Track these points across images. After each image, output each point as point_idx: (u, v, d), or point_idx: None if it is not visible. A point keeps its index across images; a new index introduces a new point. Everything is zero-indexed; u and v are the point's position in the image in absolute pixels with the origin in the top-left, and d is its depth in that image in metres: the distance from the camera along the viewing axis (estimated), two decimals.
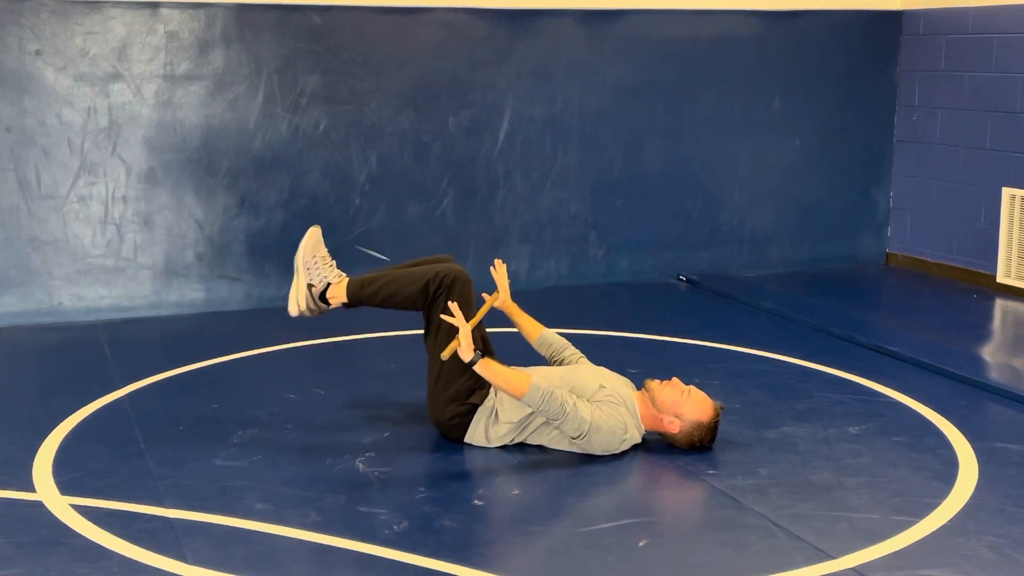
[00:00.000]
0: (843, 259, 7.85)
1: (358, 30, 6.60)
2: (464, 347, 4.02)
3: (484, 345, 4.39)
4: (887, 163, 7.84)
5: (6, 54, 6.04)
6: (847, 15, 7.61)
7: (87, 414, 4.67)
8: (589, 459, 4.18)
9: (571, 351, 4.58)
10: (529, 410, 4.20)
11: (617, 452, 4.22)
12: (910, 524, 3.68)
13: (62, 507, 3.75)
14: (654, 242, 7.38)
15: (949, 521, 3.71)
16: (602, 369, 4.45)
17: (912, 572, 3.36)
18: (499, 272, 4.59)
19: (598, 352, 4.83)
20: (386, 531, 3.58)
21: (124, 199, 6.30)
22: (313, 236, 4.47)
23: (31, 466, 4.09)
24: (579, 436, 4.14)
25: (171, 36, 6.26)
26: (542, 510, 3.82)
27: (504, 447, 4.30)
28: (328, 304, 4.47)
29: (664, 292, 7.11)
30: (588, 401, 4.19)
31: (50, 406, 4.74)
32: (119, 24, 6.17)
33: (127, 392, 4.96)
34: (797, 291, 7.08)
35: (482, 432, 4.30)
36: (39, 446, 4.28)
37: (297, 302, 4.46)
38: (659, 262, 7.41)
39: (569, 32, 7.02)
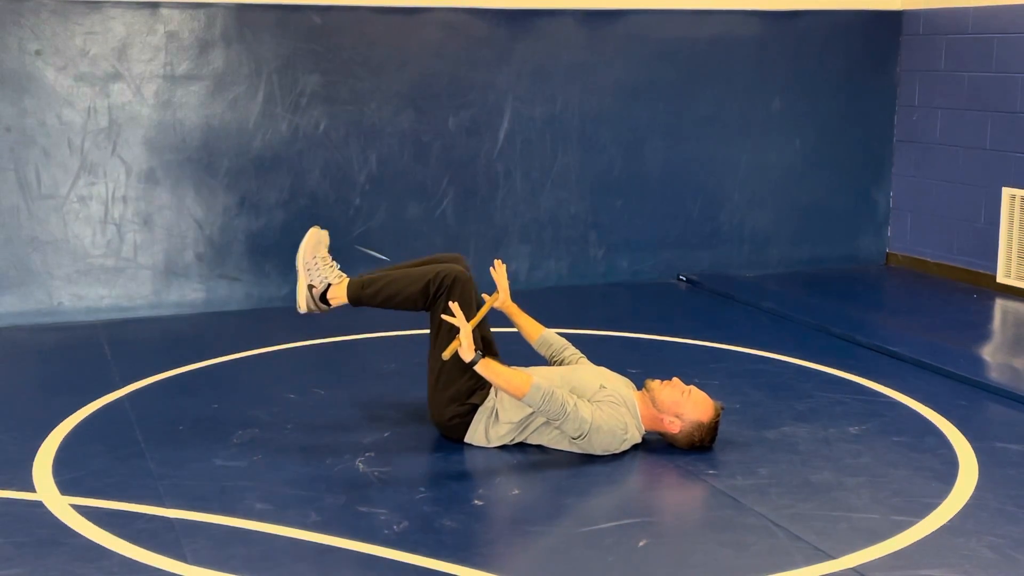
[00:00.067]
0: (843, 259, 7.84)
1: (358, 30, 6.60)
2: (465, 347, 4.02)
3: (487, 345, 4.39)
4: (887, 163, 7.84)
5: (6, 54, 6.04)
6: (847, 15, 7.61)
7: (87, 414, 4.67)
8: (589, 459, 4.19)
9: (571, 351, 4.58)
10: (529, 410, 4.20)
11: (617, 452, 4.22)
12: (910, 524, 3.68)
13: (62, 507, 3.75)
14: (654, 242, 7.38)
15: (949, 521, 3.71)
16: (602, 369, 4.45)
17: (912, 572, 3.36)
18: (499, 272, 4.59)
19: (598, 352, 4.82)
20: (386, 531, 3.58)
21: (124, 199, 6.30)
22: (313, 237, 4.47)
23: (31, 466, 4.09)
24: (580, 436, 4.14)
25: (171, 36, 6.26)
26: (542, 510, 3.82)
27: (504, 447, 4.30)
28: (329, 304, 4.47)
29: (664, 292, 7.10)
30: (589, 401, 4.19)
31: (50, 406, 4.74)
32: (119, 24, 6.17)
33: (127, 392, 4.96)
34: (797, 291, 7.07)
35: (482, 432, 4.30)
36: (39, 446, 4.28)
37: (301, 301, 4.48)
38: (659, 262, 7.41)
39: (569, 32, 7.02)
